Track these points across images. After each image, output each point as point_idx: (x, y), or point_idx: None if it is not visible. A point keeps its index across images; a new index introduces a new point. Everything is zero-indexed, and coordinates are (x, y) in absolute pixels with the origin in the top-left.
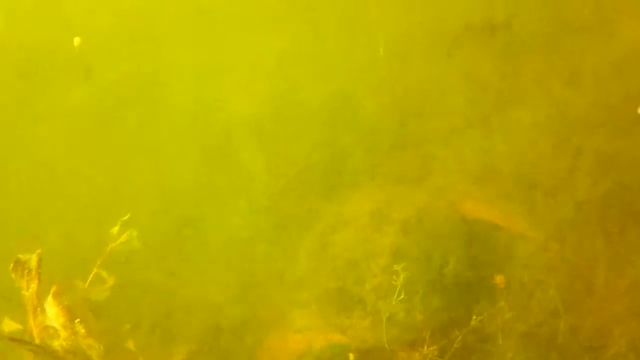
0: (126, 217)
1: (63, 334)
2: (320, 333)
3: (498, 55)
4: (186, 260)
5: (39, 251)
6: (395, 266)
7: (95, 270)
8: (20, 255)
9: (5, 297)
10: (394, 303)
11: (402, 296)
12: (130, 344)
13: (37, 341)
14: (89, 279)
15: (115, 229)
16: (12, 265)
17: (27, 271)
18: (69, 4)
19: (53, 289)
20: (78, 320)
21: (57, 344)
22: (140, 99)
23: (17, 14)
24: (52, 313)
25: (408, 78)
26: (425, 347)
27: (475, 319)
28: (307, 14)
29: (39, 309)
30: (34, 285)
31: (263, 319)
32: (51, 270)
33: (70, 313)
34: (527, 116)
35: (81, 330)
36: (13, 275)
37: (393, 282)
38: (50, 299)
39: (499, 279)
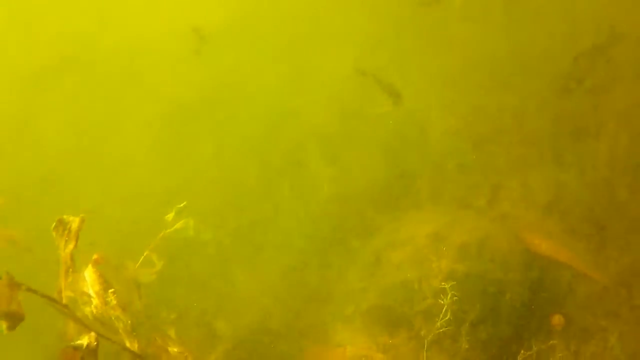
0: (181, 205)
1: (95, 301)
2: (361, 349)
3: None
4: (240, 261)
5: (82, 215)
6: (443, 284)
7: (146, 252)
8: (64, 216)
9: None
10: (438, 324)
11: (447, 316)
12: (172, 332)
13: (64, 302)
14: (140, 260)
15: (170, 216)
16: (54, 224)
17: (67, 232)
18: None
19: (94, 256)
20: (112, 290)
21: (88, 310)
22: (222, 95)
23: None
24: (90, 280)
25: (482, 101)
26: None
27: (523, 353)
28: (384, 32)
29: (71, 269)
30: (70, 246)
31: (306, 329)
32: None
33: (106, 283)
34: (605, 152)
35: (113, 300)
36: (54, 234)
37: (440, 302)
38: (90, 266)
39: (557, 319)
